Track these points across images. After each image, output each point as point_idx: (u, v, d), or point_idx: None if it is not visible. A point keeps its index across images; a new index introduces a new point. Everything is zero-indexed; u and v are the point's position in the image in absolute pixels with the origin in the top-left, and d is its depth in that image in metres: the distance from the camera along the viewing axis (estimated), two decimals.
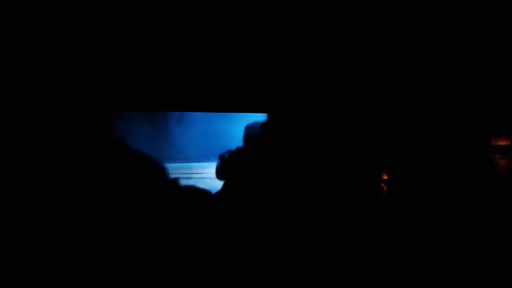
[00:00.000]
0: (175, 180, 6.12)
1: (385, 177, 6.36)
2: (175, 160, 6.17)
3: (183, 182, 6.02)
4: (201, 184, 5.97)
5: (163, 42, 5.23)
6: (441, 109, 6.22)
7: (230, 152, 6.18)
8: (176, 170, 6.02)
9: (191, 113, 6.25)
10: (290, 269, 5.60)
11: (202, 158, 6.15)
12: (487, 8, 3.96)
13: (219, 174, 5.92)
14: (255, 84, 6.36)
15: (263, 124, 6.08)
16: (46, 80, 5.99)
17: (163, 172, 6.04)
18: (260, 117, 6.29)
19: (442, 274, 5.36)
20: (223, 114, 6.39)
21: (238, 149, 6.23)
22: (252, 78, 6.29)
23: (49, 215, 5.95)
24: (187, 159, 6.12)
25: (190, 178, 6.10)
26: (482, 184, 5.80)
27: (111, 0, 4.08)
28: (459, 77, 5.93)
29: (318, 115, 6.58)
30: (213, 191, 5.89)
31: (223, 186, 5.85)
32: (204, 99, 6.42)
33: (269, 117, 6.25)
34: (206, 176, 6.19)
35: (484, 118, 5.77)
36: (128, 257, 5.68)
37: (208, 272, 5.24)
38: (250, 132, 6.04)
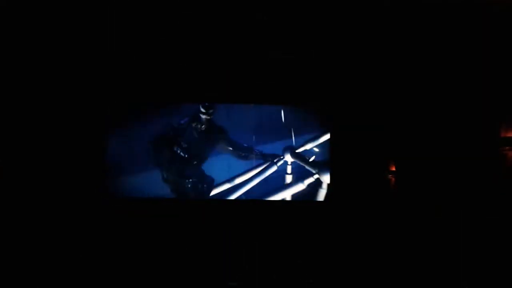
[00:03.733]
0: None
1: (393, 169, 6.36)
2: None
3: None
4: None
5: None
6: (452, 103, 6.18)
7: None
8: None
9: None
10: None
11: None
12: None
13: None
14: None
15: None
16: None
17: None
18: None
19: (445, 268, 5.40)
20: None
21: None
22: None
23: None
24: None
25: None
26: (491, 176, 5.77)
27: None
28: (470, 70, 5.88)
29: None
30: None
31: None
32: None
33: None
34: None
35: (494, 111, 5.72)
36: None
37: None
38: None
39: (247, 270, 5.22)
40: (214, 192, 6.34)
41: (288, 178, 6.40)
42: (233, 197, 6.35)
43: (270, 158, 6.37)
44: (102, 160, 6.28)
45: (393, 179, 6.30)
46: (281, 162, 6.39)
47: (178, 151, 6.23)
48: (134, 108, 6.39)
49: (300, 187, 6.38)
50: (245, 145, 6.37)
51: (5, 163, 5.87)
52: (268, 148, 6.42)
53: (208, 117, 6.28)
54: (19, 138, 6.03)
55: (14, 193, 5.88)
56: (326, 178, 6.36)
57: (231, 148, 6.34)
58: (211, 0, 4.27)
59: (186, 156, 6.23)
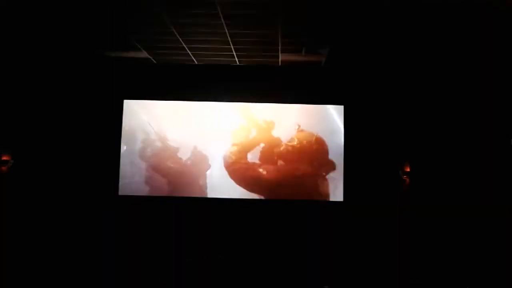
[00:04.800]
0: None
1: (408, 169, 6.27)
2: None
3: None
4: None
5: None
6: (467, 104, 6.07)
7: None
8: None
9: None
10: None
11: None
12: None
13: None
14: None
15: None
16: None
17: None
18: None
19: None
20: None
21: None
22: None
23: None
24: None
25: None
26: (506, 176, 5.66)
27: None
28: (487, 72, 5.77)
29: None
30: None
31: None
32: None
33: None
34: None
35: (509, 111, 5.61)
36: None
37: None
38: None
39: (255, 271, 5.22)
40: None
41: None
42: None
43: None
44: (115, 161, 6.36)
45: (407, 180, 6.22)
46: None
47: None
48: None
49: None
50: None
51: (23, 164, 6.01)
52: None
53: None
54: (34, 140, 6.16)
55: (28, 193, 6.01)
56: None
57: None
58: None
59: None
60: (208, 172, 6.36)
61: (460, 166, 6.00)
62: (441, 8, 3.99)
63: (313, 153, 6.36)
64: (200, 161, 6.37)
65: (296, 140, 6.39)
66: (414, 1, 3.88)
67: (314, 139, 6.38)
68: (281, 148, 6.37)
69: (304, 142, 6.38)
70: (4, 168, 5.86)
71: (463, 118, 6.10)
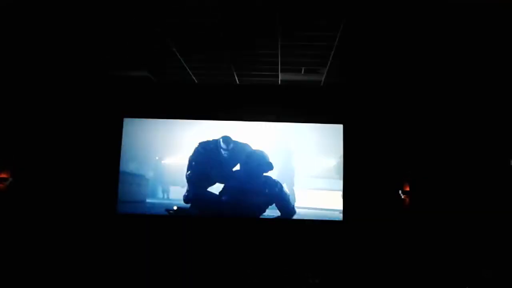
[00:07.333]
0: None
1: (407, 188, 6.26)
2: None
3: None
4: None
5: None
6: (465, 121, 6.09)
7: None
8: None
9: None
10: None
11: None
12: None
13: None
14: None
15: None
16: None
17: None
18: None
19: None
20: None
21: None
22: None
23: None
24: None
25: None
26: (506, 194, 5.65)
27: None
28: (485, 89, 5.80)
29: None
30: None
31: None
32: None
33: None
34: None
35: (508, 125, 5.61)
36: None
37: None
38: None
39: None
40: None
41: None
42: None
43: None
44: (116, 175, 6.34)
45: (407, 199, 6.20)
46: None
47: None
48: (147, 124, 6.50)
49: None
50: None
51: (21, 182, 5.98)
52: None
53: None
54: (34, 157, 6.14)
55: (26, 211, 5.97)
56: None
57: None
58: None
59: None
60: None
61: (460, 185, 5.99)
62: (443, 21, 3.96)
63: None
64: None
65: None
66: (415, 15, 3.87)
67: None
68: None
69: None
70: (2, 185, 5.84)
71: (462, 137, 6.11)
